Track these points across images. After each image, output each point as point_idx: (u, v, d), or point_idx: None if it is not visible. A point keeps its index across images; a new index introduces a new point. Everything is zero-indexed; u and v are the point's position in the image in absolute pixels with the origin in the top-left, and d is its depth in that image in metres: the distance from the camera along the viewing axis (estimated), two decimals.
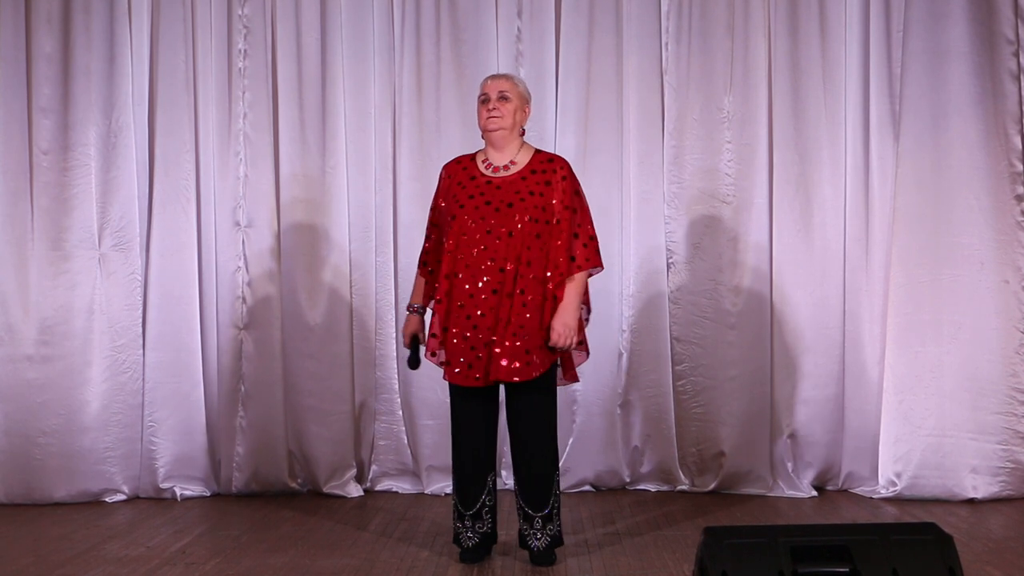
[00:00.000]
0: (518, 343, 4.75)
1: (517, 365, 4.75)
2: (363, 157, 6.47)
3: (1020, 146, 6.17)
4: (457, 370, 4.81)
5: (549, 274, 4.83)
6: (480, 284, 4.78)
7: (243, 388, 6.38)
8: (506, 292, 4.77)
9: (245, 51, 6.41)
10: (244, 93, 6.40)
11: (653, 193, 6.41)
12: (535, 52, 6.43)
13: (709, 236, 6.37)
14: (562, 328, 4.81)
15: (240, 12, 6.41)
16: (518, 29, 6.44)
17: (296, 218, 6.42)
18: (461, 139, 6.20)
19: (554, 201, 4.87)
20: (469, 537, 4.95)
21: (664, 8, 6.41)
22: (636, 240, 6.41)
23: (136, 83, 6.40)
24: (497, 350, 4.75)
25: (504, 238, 4.79)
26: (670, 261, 6.41)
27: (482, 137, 5.03)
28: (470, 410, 4.90)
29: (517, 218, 4.81)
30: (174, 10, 6.37)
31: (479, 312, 4.77)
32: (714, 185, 6.38)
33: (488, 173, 4.93)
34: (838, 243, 6.36)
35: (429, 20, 6.41)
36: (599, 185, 6.37)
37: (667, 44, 6.41)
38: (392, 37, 6.44)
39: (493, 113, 4.91)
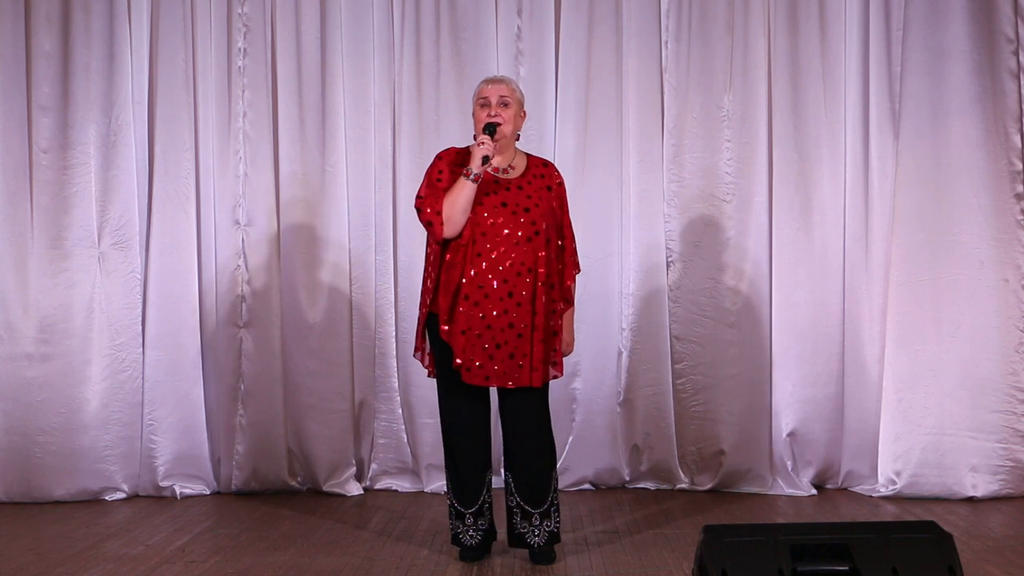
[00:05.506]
0: (544, 349, 4.80)
1: (539, 370, 4.80)
2: (363, 156, 6.46)
3: (1020, 144, 6.17)
4: (468, 369, 4.79)
5: (556, 279, 4.88)
6: (496, 285, 4.76)
7: (243, 386, 6.38)
8: (522, 296, 4.77)
9: (245, 50, 6.41)
10: (244, 92, 6.40)
11: (653, 191, 6.41)
12: (535, 51, 6.42)
13: (709, 234, 6.37)
14: (571, 338, 5.01)
15: (240, 11, 6.40)
16: (518, 28, 6.43)
17: (296, 217, 6.41)
18: (460, 137, 6.18)
19: (554, 205, 4.92)
20: (471, 536, 4.94)
21: (664, 7, 6.40)
22: (636, 238, 6.41)
23: (136, 81, 6.39)
24: (523, 356, 4.77)
25: (523, 242, 4.79)
26: (670, 259, 6.40)
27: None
28: (466, 410, 4.90)
29: (535, 224, 4.82)
30: (173, 8, 6.37)
31: (494, 313, 4.75)
32: (714, 183, 6.37)
33: (491, 173, 4.90)
34: (838, 241, 6.36)
35: (429, 19, 6.41)
36: (599, 183, 6.38)
37: (667, 43, 6.40)
38: (392, 36, 6.44)
39: (495, 119, 4.87)
